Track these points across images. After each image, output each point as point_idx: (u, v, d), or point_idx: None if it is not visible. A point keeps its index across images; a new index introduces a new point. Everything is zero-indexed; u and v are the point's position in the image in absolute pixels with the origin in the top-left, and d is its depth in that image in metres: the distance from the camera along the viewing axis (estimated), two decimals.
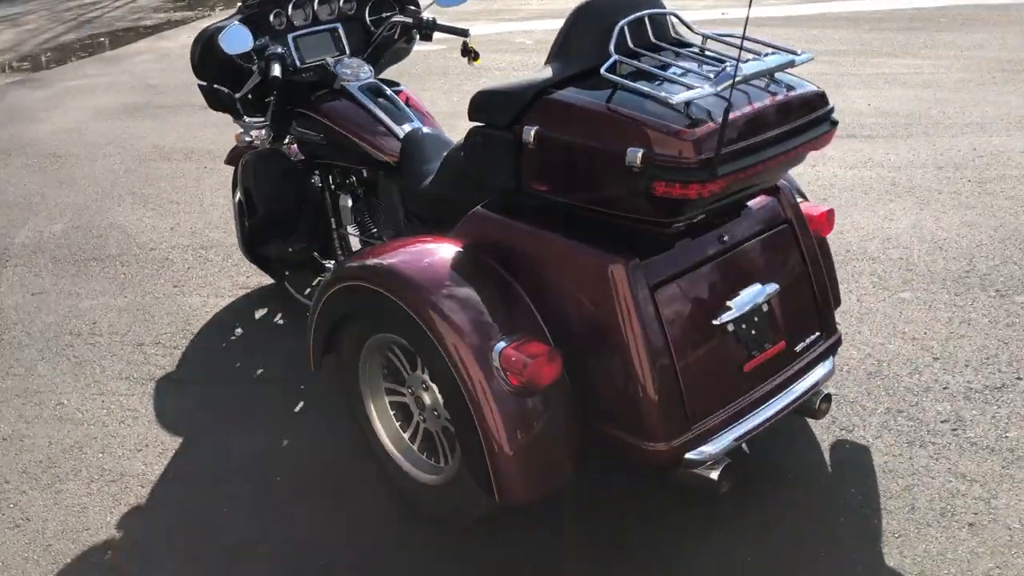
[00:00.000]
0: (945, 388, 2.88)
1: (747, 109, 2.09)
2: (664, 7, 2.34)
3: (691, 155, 1.99)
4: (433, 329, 2.15)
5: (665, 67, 2.16)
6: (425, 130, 3.03)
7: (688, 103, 2.03)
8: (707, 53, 2.28)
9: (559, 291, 2.22)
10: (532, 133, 2.23)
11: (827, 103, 2.27)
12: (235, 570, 2.38)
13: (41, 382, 3.30)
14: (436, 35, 3.46)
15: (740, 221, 2.35)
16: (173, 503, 2.65)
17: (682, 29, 2.40)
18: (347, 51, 3.36)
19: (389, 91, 3.19)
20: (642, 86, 2.06)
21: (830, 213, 2.66)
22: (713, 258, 2.26)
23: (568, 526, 2.45)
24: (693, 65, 2.18)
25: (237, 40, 2.89)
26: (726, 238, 2.29)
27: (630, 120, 2.07)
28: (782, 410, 2.33)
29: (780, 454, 2.66)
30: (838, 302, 2.83)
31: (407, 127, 3.03)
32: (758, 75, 2.12)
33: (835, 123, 2.29)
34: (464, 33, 3.40)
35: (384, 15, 3.46)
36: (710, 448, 2.17)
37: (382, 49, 3.49)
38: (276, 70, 2.95)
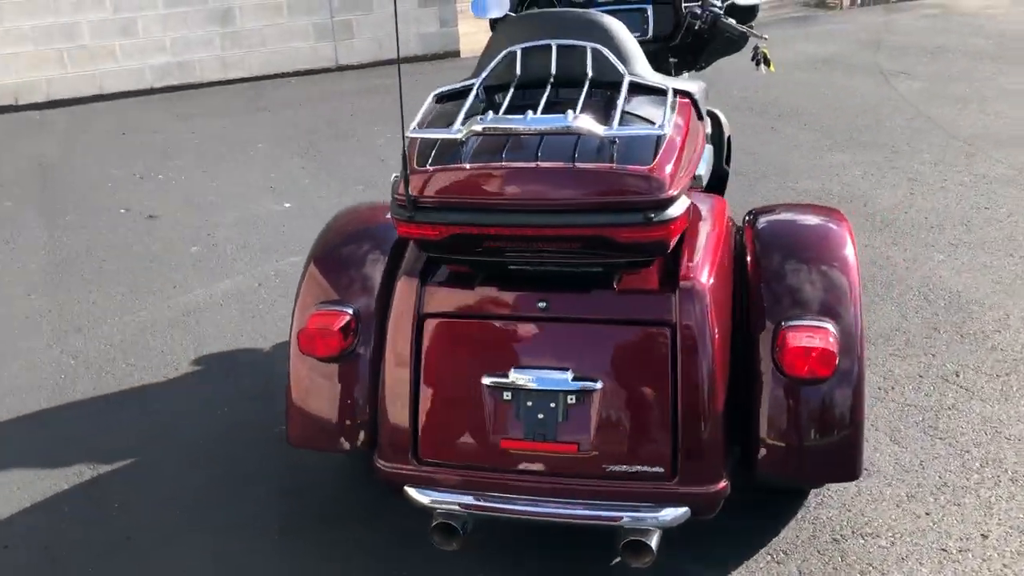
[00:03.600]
0: None
1: (490, 163, 1.87)
2: (592, 39, 2.06)
3: (402, 192, 1.93)
4: (301, 278, 2.45)
5: (493, 106, 2.00)
6: None
7: (447, 141, 1.92)
8: (597, 98, 1.99)
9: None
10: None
11: (645, 192, 1.80)
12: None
13: None
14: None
15: (583, 297, 2.04)
16: None
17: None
18: (649, 34, 3.36)
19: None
20: (428, 118, 2.01)
21: (823, 354, 2.01)
22: (516, 319, 2.06)
23: None
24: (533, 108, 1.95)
25: (489, 5, 3.24)
26: (543, 305, 2.04)
27: (409, 147, 2.04)
28: (551, 517, 2.06)
29: None
30: (847, 475, 2.14)
31: None
32: (506, 132, 1.85)
33: (649, 220, 1.80)
34: (748, 37, 3.12)
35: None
36: (428, 496, 2.12)
37: (699, 38, 3.36)
38: None
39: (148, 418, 3.04)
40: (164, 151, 5.89)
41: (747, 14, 3.30)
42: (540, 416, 2.02)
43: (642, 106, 1.98)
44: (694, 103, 2.14)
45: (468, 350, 2.08)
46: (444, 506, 2.09)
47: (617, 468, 2.01)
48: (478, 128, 1.85)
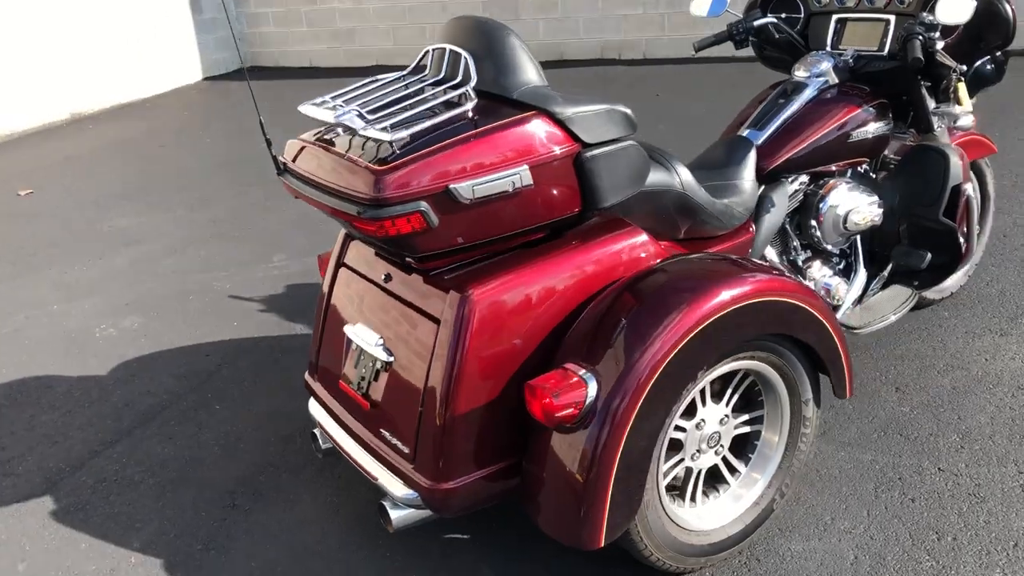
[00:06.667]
0: None
1: (321, 145, 2.15)
2: (468, 46, 2.14)
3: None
4: None
5: (377, 95, 2.23)
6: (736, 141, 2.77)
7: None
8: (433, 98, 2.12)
9: None
10: None
11: (362, 189, 1.91)
12: None
13: None
14: None
15: (407, 278, 2.23)
16: None
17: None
18: (886, 49, 2.89)
19: (807, 95, 2.80)
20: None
21: (541, 400, 1.93)
22: (373, 284, 2.34)
23: None
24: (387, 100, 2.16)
25: (706, 3, 3.10)
26: (383, 278, 2.29)
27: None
28: (347, 455, 2.34)
29: None
30: (574, 539, 2.03)
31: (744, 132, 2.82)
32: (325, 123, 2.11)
33: (360, 213, 1.93)
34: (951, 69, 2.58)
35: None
36: (312, 408, 2.57)
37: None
38: (700, 42, 3.08)
39: None
40: (686, 114, 6.37)
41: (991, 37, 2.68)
42: (363, 371, 2.30)
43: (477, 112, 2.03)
44: (557, 121, 2.05)
45: (348, 299, 2.43)
46: (312, 417, 2.52)
47: (386, 435, 2.20)
48: (303, 110, 2.18)
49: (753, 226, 2.65)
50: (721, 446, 2.24)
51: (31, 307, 4.12)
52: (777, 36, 3.11)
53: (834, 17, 3.02)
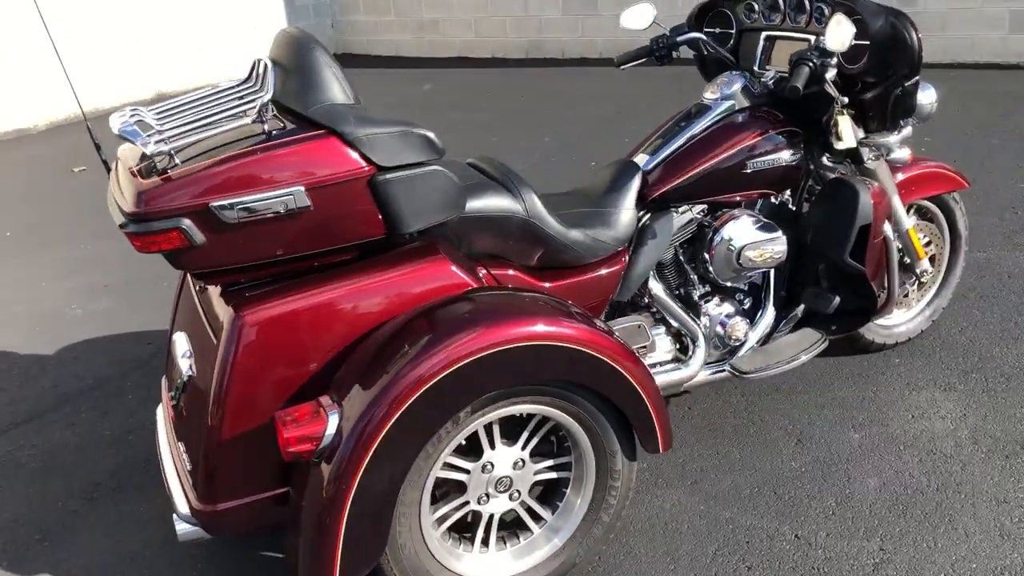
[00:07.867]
0: None
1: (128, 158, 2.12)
2: (281, 59, 2.08)
3: None
4: None
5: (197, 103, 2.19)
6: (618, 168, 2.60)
7: None
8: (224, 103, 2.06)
9: None
10: None
11: (131, 206, 1.86)
12: None
13: None
14: None
15: (213, 295, 2.18)
16: None
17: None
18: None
19: (709, 120, 2.60)
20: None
21: (282, 440, 1.87)
22: (194, 294, 2.33)
23: None
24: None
25: (635, 17, 2.90)
26: (198, 289, 2.27)
27: None
28: (162, 468, 2.33)
29: None
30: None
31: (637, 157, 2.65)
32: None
33: (123, 227, 1.89)
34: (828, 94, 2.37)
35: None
36: (159, 409, 2.58)
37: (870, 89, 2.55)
38: (622, 56, 2.89)
39: None
40: None
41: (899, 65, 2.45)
42: (177, 381, 2.29)
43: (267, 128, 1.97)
44: (347, 142, 1.95)
45: (181, 307, 2.42)
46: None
47: (182, 449, 2.18)
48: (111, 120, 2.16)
49: (627, 257, 2.49)
50: (517, 491, 2.12)
51: (25, 284, 4.34)
52: (706, 53, 2.90)
53: (763, 35, 2.80)
